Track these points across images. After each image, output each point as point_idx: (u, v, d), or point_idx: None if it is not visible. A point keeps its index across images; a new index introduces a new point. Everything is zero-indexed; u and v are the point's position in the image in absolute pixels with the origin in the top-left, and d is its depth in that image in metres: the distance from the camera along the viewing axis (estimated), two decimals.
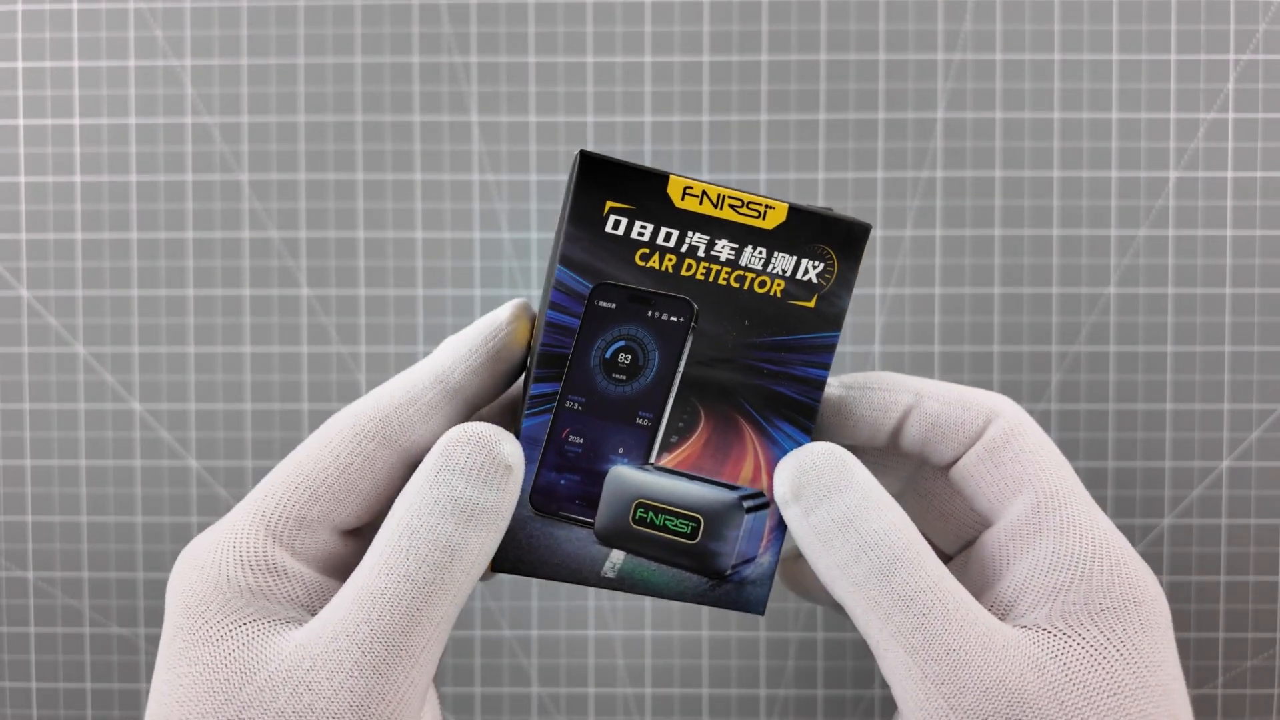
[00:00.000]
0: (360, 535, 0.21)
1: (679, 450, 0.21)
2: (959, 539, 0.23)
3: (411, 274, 0.34)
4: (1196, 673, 0.34)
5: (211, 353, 0.34)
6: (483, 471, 0.18)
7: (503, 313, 0.21)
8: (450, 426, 0.21)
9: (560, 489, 0.21)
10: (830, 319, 0.20)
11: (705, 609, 0.35)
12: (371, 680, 0.17)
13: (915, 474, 0.24)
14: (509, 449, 0.19)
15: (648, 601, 0.34)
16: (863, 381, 0.22)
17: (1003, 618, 0.19)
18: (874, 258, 0.34)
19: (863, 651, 0.34)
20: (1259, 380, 0.34)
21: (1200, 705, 0.34)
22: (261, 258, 0.34)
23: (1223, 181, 0.33)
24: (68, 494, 0.34)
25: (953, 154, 0.34)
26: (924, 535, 0.24)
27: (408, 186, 0.34)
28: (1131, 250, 0.34)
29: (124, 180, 0.34)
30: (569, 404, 0.20)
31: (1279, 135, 0.33)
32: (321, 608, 0.19)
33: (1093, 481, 0.34)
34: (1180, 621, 0.34)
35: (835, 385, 0.22)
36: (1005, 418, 0.21)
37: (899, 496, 0.25)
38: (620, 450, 0.21)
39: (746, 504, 0.21)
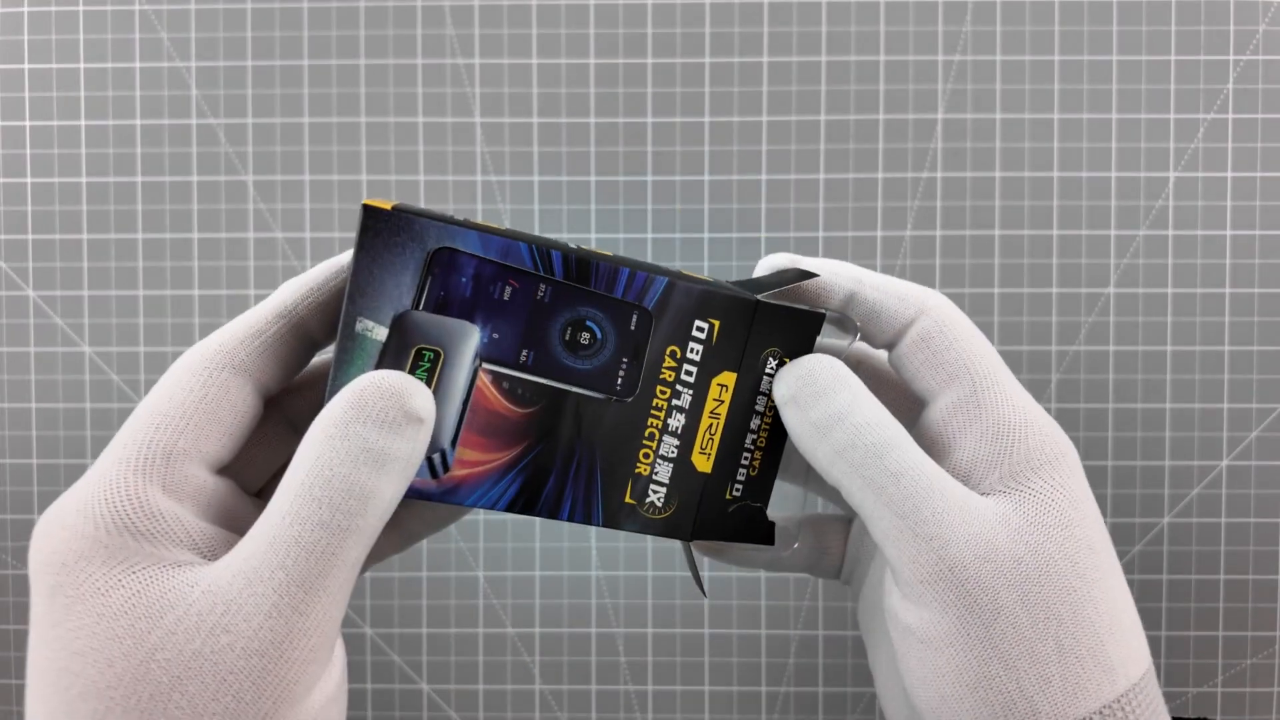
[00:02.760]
0: (232, 477, 0.21)
1: None
2: (901, 419, 0.26)
3: None
4: (1196, 671, 0.34)
5: None
6: (394, 422, 0.19)
7: (345, 255, 0.22)
8: (296, 361, 0.21)
9: None
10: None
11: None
12: (291, 620, 0.18)
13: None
14: (420, 402, 0.19)
15: (650, 600, 0.34)
16: (812, 265, 0.24)
17: (964, 485, 0.22)
18: (875, 258, 0.34)
19: (863, 649, 0.35)
20: (1258, 379, 0.34)
21: (1200, 703, 0.34)
22: (266, 258, 0.34)
23: (1222, 182, 0.34)
24: None
25: (953, 154, 0.34)
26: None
27: (412, 187, 0.34)
28: (1131, 250, 0.34)
29: (130, 181, 0.34)
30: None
31: (1278, 135, 0.33)
32: (211, 552, 0.19)
33: (1093, 481, 0.34)
34: (1180, 620, 0.34)
35: (787, 261, 0.24)
36: (937, 309, 0.23)
37: None
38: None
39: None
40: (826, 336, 0.24)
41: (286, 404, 0.23)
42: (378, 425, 0.19)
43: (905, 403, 0.25)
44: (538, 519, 0.34)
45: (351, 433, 0.19)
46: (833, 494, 0.27)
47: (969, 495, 0.21)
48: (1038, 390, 0.34)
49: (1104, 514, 0.34)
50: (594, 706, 0.34)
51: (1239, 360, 0.34)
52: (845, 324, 0.24)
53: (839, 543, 0.27)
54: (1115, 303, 0.34)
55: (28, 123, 0.34)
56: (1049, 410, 0.34)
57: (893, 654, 0.24)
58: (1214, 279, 0.34)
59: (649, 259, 0.34)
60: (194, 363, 0.20)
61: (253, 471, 0.22)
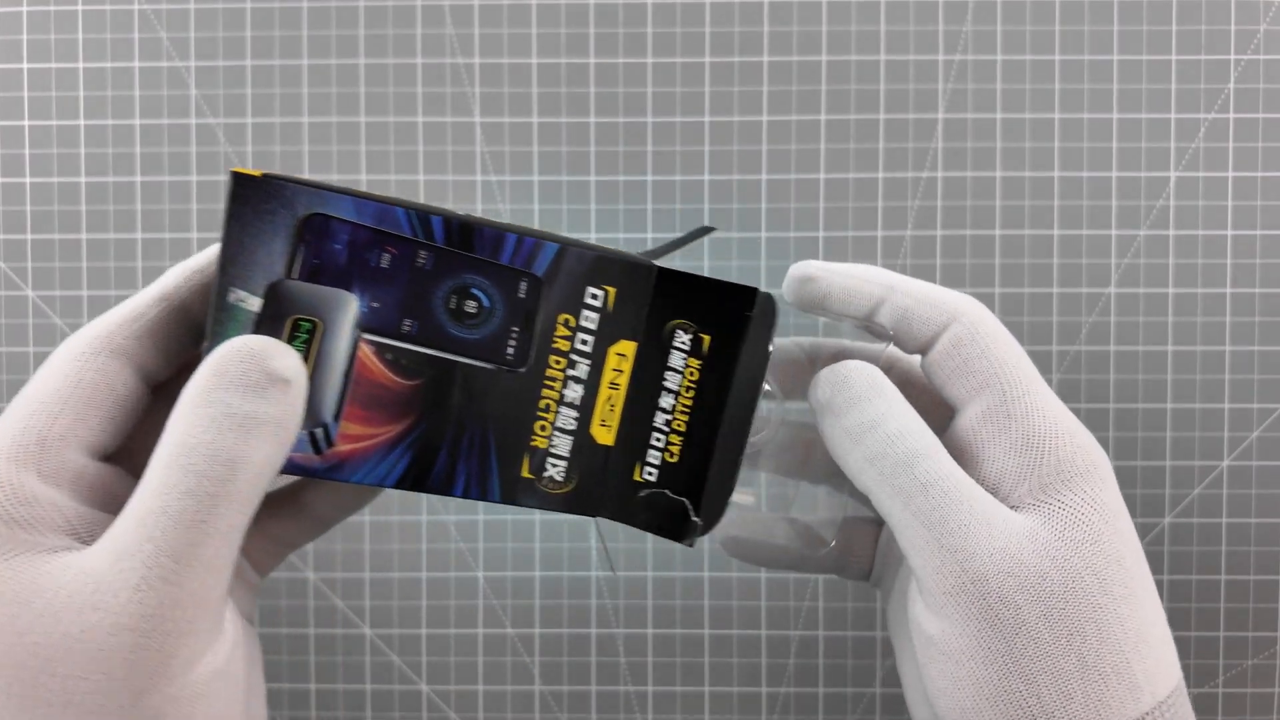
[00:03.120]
0: (122, 464, 0.21)
1: None
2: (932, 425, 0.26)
3: None
4: (1197, 671, 0.34)
5: None
6: (257, 385, 0.18)
7: None
8: (179, 345, 0.21)
9: None
10: None
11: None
12: (162, 591, 0.17)
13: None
14: (283, 362, 0.19)
15: (650, 601, 0.34)
16: (842, 271, 0.24)
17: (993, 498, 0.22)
18: (875, 258, 0.34)
19: (863, 650, 0.34)
20: (1259, 379, 0.34)
21: (1201, 704, 0.34)
22: None
23: (1223, 181, 0.34)
24: None
25: (953, 154, 0.34)
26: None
27: (412, 187, 0.34)
28: (1132, 250, 0.34)
29: (129, 181, 0.34)
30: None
31: (1279, 135, 0.33)
32: (92, 536, 0.19)
33: None
34: (1181, 620, 0.34)
35: (817, 269, 0.23)
36: (969, 315, 0.23)
37: None
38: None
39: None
40: (860, 340, 0.24)
41: (177, 389, 0.23)
42: (240, 389, 0.18)
43: (937, 409, 0.25)
44: (538, 520, 0.34)
45: (214, 399, 0.18)
46: (863, 496, 0.27)
47: (997, 508, 0.21)
48: None
49: None
50: (594, 707, 0.34)
51: (1240, 360, 0.34)
52: (876, 329, 0.24)
53: (869, 545, 0.27)
54: (1116, 303, 0.34)
55: (26, 122, 0.34)
56: None
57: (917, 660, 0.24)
58: (1215, 279, 0.34)
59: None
60: (72, 348, 0.20)
61: (144, 457, 0.22)
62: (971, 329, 0.23)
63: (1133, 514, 0.34)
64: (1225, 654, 0.34)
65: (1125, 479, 0.34)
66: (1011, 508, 0.21)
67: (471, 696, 0.35)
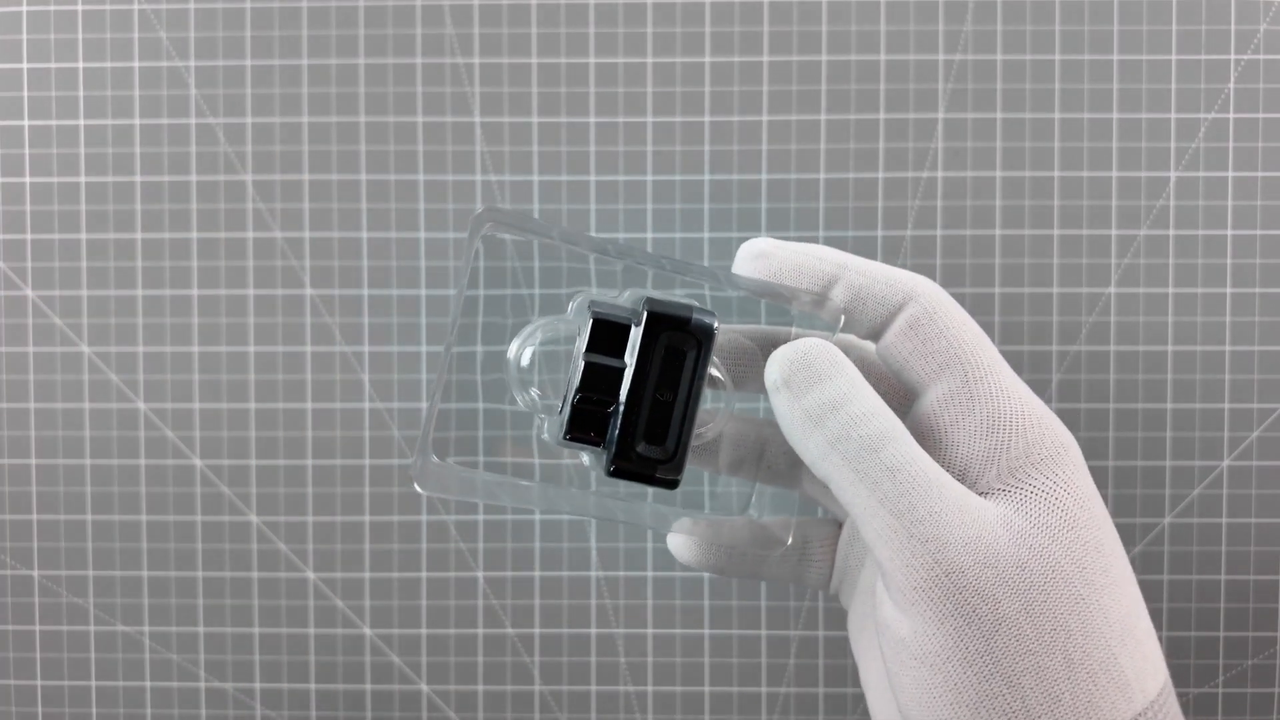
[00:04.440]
0: None
1: None
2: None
3: (415, 274, 0.34)
4: (1197, 671, 0.34)
5: (216, 352, 0.34)
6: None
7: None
8: None
9: None
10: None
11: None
12: None
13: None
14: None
15: (650, 601, 0.34)
16: (794, 248, 0.23)
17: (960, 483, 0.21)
18: (875, 257, 0.34)
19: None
20: (1259, 379, 0.34)
21: (1201, 704, 0.34)
22: (265, 258, 0.34)
23: (1223, 181, 0.34)
24: (73, 493, 0.34)
25: (954, 154, 0.34)
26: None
27: (411, 187, 0.34)
28: (1132, 250, 0.34)
29: (128, 181, 0.34)
30: None
31: (1279, 135, 0.33)
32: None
33: (1095, 481, 0.34)
34: (1181, 620, 0.34)
35: (768, 245, 0.23)
36: (926, 294, 0.22)
37: None
38: None
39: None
40: (810, 328, 0.24)
41: None
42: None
43: (894, 398, 0.24)
44: (538, 520, 0.34)
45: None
46: (816, 497, 0.26)
47: (968, 495, 0.20)
48: (1039, 390, 0.34)
49: None
50: (594, 707, 0.34)
51: (1240, 360, 0.34)
52: (828, 308, 0.23)
53: (828, 549, 0.26)
54: (1116, 303, 0.34)
55: (26, 122, 0.34)
56: None
57: (884, 672, 0.22)
58: (1215, 279, 0.34)
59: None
60: None
61: None
62: (929, 309, 0.22)
63: (1133, 514, 0.34)
64: (1225, 654, 0.34)
65: (1125, 479, 0.34)
66: (980, 494, 0.20)
67: (471, 696, 0.35)
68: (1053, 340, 0.34)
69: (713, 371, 0.24)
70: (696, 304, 0.23)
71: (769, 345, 0.24)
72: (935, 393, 0.22)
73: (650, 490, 0.24)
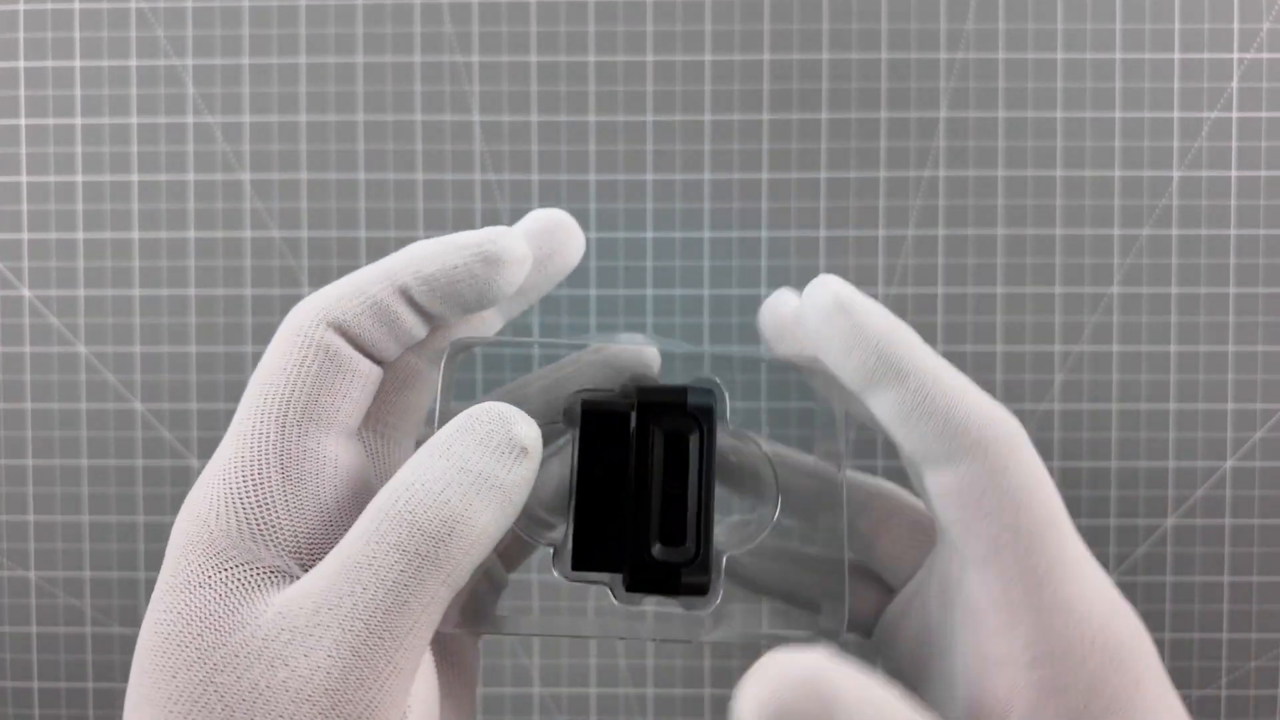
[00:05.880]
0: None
1: None
2: (915, 553, 0.22)
3: None
4: (1200, 674, 0.34)
5: (213, 352, 0.34)
6: (498, 446, 0.17)
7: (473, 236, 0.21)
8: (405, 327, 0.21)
9: None
10: None
11: None
12: (349, 662, 0.16)
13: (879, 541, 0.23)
14: (525, 430, 0.18)
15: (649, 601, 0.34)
16: (879, 317, 0.20)
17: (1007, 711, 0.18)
18: (877, 257, 0.34)
19: (865, 651, 0.34)
20: (1263, 380, 0.33)
21: (1203, 706, 0.34)
22: (263, 257, 0.34)
23: (1226, 180, 0.33)
24: (70, 493, 0.34)
25: (955, 153, 0.34)
26: (880, 554, 0.23)
27: (410, 186, 0.34)
28: (1135, 249, 0.34)
29: (126, 180, 0.34)
30: None
31: None
32: (313, 560, 0.18)
33: (1096, 481, 0.34)
34: (1184, 622, 0.34)
35: (850, 296, 0.21)
36: (996, 451, 0.18)
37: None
38: None
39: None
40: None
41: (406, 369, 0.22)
42: (479, 446, 0.17)
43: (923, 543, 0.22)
44: None
45: (451, 451, 0.17)
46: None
47: None
48: (1041, 391, 0.34)
49: (1107, 516, 0.34)
50: (594, 710, 0.34)
51: (1243, 360, 0.33)
52: (865, 416, 0.20)
53: (870, 609, 0.23)
54: (1119, 303, 0.34)
55: (22, 121, 0.34)
56: (1050, 412, 0.34)
57: None
58: (1218, 279, 0.33)
59: (649, 259, 0.34)
60: (293, 325, 0.20)
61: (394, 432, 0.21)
62: (994, 469, 0.18)
63: (1135, 515, 0.34)
64: (1229, 656, 0.34)
65: (1128, 480, 0.34)
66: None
67: None
68: (1055, 340, 0.34)
69: (733, 442, 0.21)
70: (692, 381, 0.21)
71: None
72: (989, 582, 0.18)
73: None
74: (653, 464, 0.20)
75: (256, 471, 0.18)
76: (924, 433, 0.18)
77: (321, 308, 0.19)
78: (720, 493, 0.21)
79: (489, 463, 0.17)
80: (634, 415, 0.20)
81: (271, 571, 0.18)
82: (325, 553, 0.18)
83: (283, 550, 0.18)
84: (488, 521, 0.17)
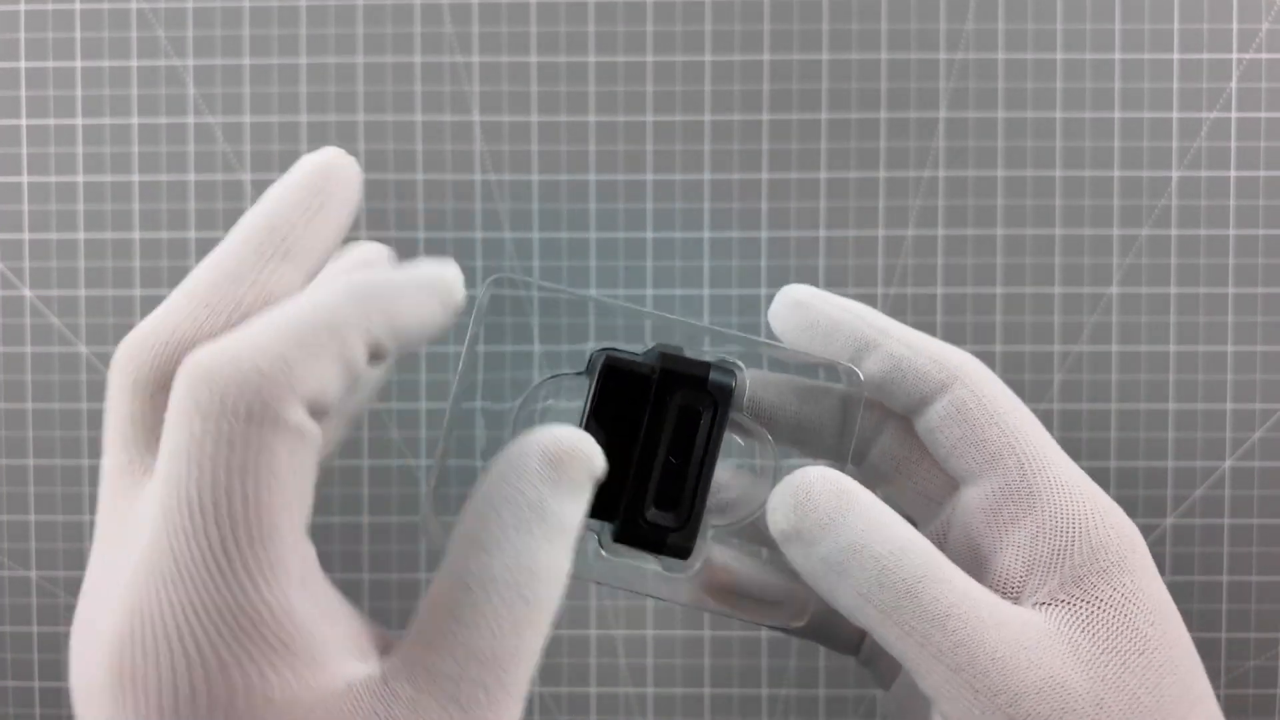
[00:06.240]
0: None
1: None
2: (929, 503, 0.22)
3: None
4: None
5: None
6: (579, 484, 0.18)
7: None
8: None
9: None
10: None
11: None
12: None
13: (879, 437, 0.23)
14: (599, 462, 0.19)
15: (649, 602, 0.34)
16: (836, 302, 0.21)
17: (1017, 595, 0.19)
18: (876, 257, 0.34)
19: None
20: (1262, 380, 0.34)
21: None
22: None
23: (1225, 181, 0.33)
24: (71, 493, 0.34)
25: (955, 153, 0.34)
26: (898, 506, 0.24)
27: (410, 186, 0.34)
28: (1134, 249, 0.34)
29: (127, 180, 0.34)
30: None
31: None
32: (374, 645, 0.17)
33: (1096, 481, 0.34)
34: (1183, 621, 0.34)
35: (808, 295, 0.22)
36: (973, 376, 0.20)
37: (871, 462, 0.24)
38: None
39: None
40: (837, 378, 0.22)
41: None
42: (555, 485, 0.17)
43: (932, 489, 0.22)
44: None
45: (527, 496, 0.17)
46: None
47: (1026, 624, 0.18)
48: (1040, 391, 0.34)
49: None
50: (594, 709, 0.34)
51: (1242, 360, 0.33)
52: (850, 378, 0.21)
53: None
54: (1118, 303, 0.34)
55: (23, 121, 0.34)
56: (1050, 411, 0.34)
57: None
58: (1217, 279, 0.33)
59: (649, 259, 0.34)
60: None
61: None
62: (978, 393, 0.20)
63: (1134, 515, 0.33)
64: (1227, 655, 0.34)
65: (1127, 480, 0.34)
66: (1036, 605, 0.19)
67: None
68: (1055, 340, 0.34)
69: (741, 426, 0.22)
70: (718, 360, 0.22)
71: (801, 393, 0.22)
72: (986, 488, 0.20)
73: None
74: (663, 432, 0.21)
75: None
76: (915, 369, 0.20)
77: (283, 376, 0.16)
78: (719, 470, 0.22)
79: (565, 504, 0.18)
80: (654, 380, 0.21)
81: (338, 676, 0.17)
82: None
83: (342, 646, 0.17)
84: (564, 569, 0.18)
